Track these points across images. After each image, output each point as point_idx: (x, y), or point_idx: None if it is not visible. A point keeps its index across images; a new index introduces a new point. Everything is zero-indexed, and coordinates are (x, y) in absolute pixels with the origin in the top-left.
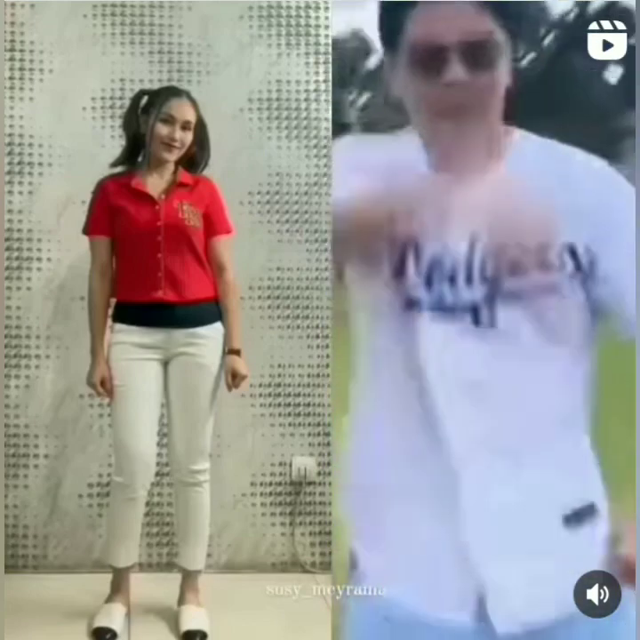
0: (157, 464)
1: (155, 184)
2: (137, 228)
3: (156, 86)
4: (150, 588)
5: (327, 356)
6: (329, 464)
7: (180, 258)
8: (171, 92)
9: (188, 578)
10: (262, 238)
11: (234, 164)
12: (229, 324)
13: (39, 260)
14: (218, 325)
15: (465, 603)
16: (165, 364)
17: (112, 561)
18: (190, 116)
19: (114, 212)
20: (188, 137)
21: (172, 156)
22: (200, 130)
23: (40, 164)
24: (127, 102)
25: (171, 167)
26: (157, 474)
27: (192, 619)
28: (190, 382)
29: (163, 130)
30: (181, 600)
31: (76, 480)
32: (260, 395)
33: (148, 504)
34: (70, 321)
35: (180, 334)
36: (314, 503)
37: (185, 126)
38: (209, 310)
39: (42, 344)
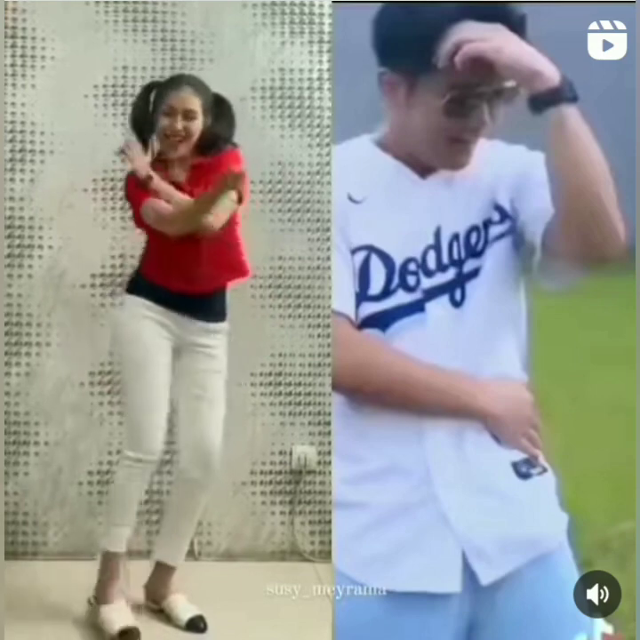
0: None
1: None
2: None
3: (157, 74)
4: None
5: (328, 345)
6: (329, 453)
7: None
8: (172, 83)
9: (172, 571)
10: (264, 227)
11: None
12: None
13: (40, 247)
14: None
15: (453, 569)
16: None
17: None
18: (193, 104)
19: None
20: (194, 126)
21: (176, 152)
22: (216, 108)
23: (41, 151)
24: (130, 90)
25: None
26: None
27: (187, 607)
28: None
29: (163, 121)
30: (166, 593)
31: (76, 467)
32: (261, 383)
33: (147, 492)
34: (71, 309)
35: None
36: (314, 492)
37: (188, 116)
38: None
39: (42, 331)
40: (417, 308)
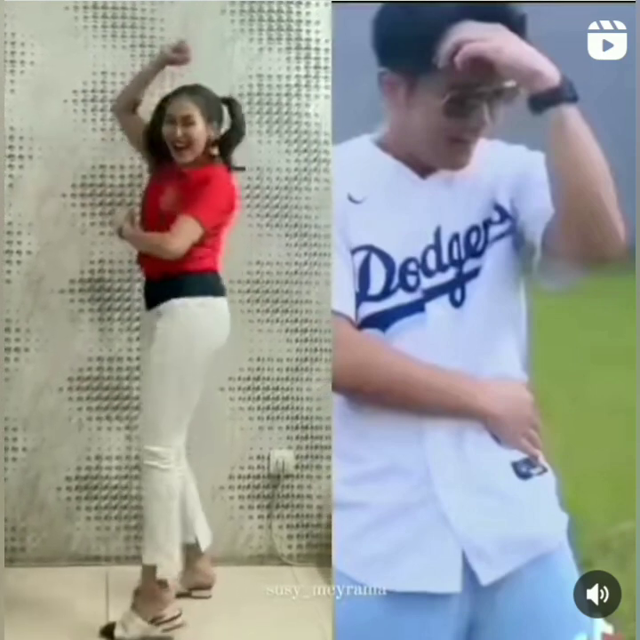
0: (136, 457)
1: None
2: None
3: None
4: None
5: (306, 350)
6: (307, 457)
7: None
8: (173, 93)
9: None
10: (243, 232)
11: None
12: None
13: (19, 252)
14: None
15: (453, 569)
16: None
17: None
18: (188, 110)
19: None
20: (194, 131)
21: (183, 158)
22: (229, 109)
23: (20, 156)
24: (109, 95)
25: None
26: (136, 467)
27: (119, 623)
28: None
29: (166, 130)
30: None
31: (54, 473)
32: (239, 388)
33: (125, 497)
34: (49, 314)
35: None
36: (291, 496)
37: (186, 122)
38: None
39: (21, 337)
40: (417, 308)
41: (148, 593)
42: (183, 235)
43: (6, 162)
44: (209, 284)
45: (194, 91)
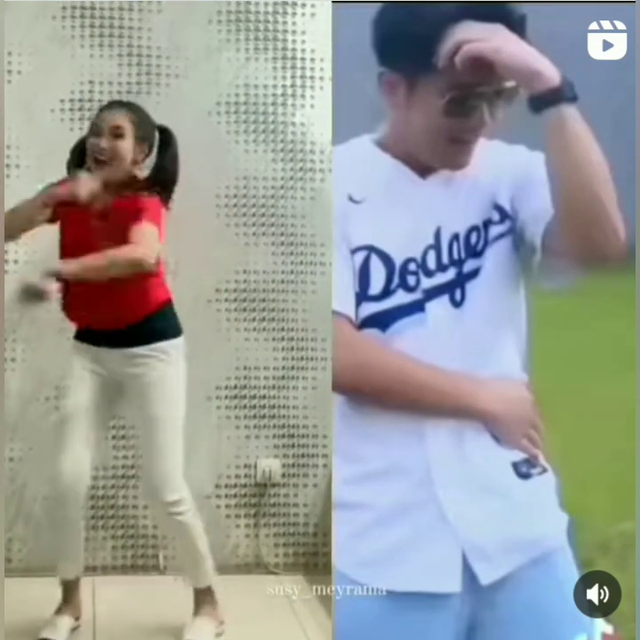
0: (123, 466)
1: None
2: None
3: (123, 89)
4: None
5: (292, 359)
6: (294, 466)
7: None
8: (105, 106)
9: (198, 593)
10: (229, 241)
11: (201, 167)
12: None
13: (5, 261)
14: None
15: (454, 569)
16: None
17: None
18: (119, 121)
19: None
20: (121, 146)
21: (102, 173)
22: (161, 139)
23: (7, 165)
24: (96, 104)
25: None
26: (123, 476)
27: (194, 629)
28: None
29: (90, 141)
30: (194, 612)
31: (41, 483)
32: (226, 397)
33: (113, 507)
34: (36, 324)
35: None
36: (278, 505)
37: (114, 133)
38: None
39: (8, 347)
40: (417, 307)
41: (214, 603)
42: (148, 240)
43: None
44: (177, 319)
45: (129, 105)
